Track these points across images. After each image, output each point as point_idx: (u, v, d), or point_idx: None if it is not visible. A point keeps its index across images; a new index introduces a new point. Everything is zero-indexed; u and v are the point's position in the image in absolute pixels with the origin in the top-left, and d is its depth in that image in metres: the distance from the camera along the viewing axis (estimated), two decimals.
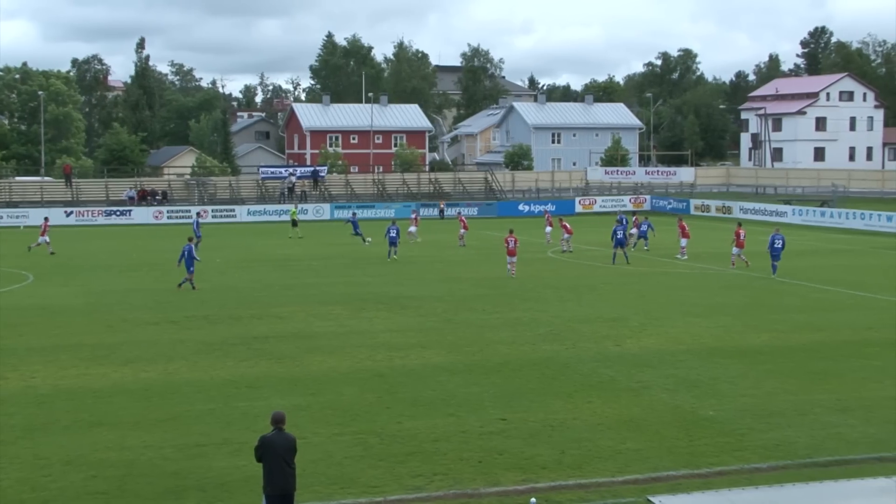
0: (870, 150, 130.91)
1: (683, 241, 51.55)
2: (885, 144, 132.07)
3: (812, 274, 45.00)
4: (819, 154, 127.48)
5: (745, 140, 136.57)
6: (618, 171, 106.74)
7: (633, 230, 58.04)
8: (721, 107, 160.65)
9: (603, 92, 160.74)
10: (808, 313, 35.18)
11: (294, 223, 67.38)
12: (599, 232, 65.09)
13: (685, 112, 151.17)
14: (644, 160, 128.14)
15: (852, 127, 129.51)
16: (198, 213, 66.85)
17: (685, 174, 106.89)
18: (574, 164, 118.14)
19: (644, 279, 44.48)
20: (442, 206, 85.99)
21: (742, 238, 47.34)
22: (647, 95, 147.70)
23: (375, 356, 28.22)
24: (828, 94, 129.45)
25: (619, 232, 49.79)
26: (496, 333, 31.54)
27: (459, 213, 68.84)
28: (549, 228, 59.41)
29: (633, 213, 69.18)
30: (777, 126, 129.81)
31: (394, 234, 51.27)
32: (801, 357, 27.99)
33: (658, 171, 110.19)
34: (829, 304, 37.24)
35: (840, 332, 31.82)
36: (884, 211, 70.61)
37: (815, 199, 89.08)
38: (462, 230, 59.68)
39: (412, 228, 61.23)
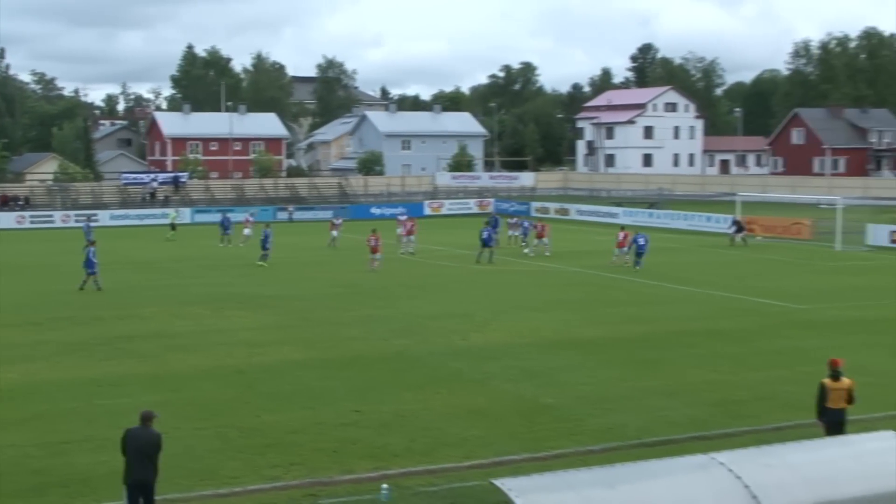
0: (691, 156, 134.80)
1: (536, 241, 52.36)
2: (704, 151, 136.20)
3: (641, 271, 46.13)
4: (647, 160, 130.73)
5: (581, 147, 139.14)
6: (464, 175, 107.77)
7: (511, 232, 58.79)
8: (559, 116, 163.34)
9: (450, 102, 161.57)
10: (637, 307, 36.05)
11: (172, 227, 66.45)
12: (448, 233, 65.61)
13: (526, 121, 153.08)
14: (488, 166, 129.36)
15: (676, 135, 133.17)
16: (88, 217, 64.68)
17: (526, 178, 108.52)
18: (423, 169, 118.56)
19: (490, 277, 44.93)
20: (290, 209, 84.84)
21: (622, 239, 48.80)
22: (491, 105, 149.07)
23: (235, 353, 27.86)
24: (654, 105, 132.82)
25: (483, 233, 50.27)
26: (350, 330, 31.46)
27: (337, 215, 67.07)
28: (400, 230, 59.44)
29: (496, 215, 69.61)
30: (609, 134, 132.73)
31: (263, 239, 49.87)
32: (631, 347, 28.68)
33: (501, 175, 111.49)
34: (656, 298, 38.21)
35: (666, 323, 32.67)
36: (704, 212, 72.86)
37: (643, 202, 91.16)
38: (334, 233, 59.38)
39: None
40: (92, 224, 61.01)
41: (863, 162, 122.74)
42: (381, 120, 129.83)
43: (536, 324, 32.48)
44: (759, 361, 26.75)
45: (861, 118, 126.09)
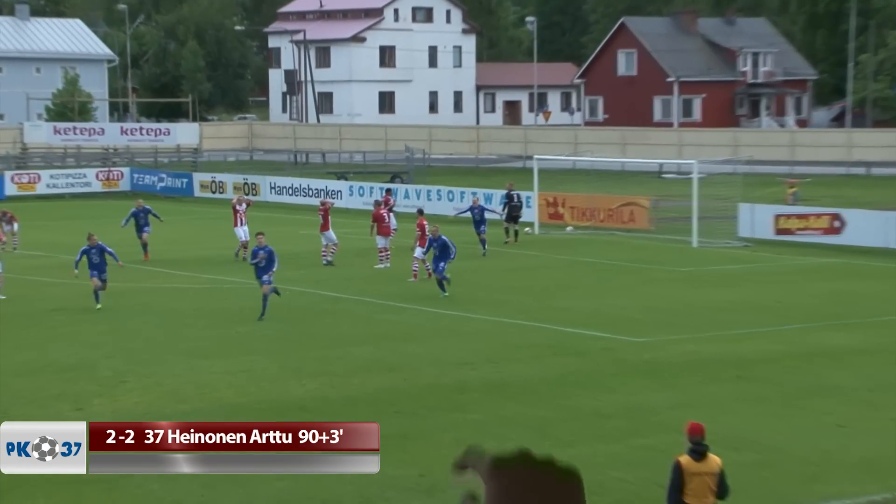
0: (458, 96, 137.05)
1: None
2: (479, 88, 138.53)
3: (381, 289, 46.64)
4: (387, 102, 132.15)
5: (277, 81, 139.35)
6: (76, 128, 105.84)
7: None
8: (238, 28, 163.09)
9: (50, 3, 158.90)
10: (374, 345, 36.19)
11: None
12: (49, 229, 64.45)
13: (182, 36, 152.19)
14: (119, 112, 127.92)
15: (433, 62, 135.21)
16: None
17: (185, 133, 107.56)
18: (2, 117, 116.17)
19: (123, 300, 43.92)
20: None
21: (422, 234, 47.56)
22: (122, 8, 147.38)
23: None
24: (396, 12, 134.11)
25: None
26: None
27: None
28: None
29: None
30: (324, 60, 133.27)
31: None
32: (369, 411, 28.65)
33: (142, 128, 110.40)
34: (407, 331, 38.49)
35: (419, 372, 32.99)
36: (479, 187, 71.40)
37: (382, 172, 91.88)
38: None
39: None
40: None
41: (729, 103, 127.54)
42: None
43: (207, 378, 32.27)
44: (570, 428, 27.37)
45: (725, 32, 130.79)
